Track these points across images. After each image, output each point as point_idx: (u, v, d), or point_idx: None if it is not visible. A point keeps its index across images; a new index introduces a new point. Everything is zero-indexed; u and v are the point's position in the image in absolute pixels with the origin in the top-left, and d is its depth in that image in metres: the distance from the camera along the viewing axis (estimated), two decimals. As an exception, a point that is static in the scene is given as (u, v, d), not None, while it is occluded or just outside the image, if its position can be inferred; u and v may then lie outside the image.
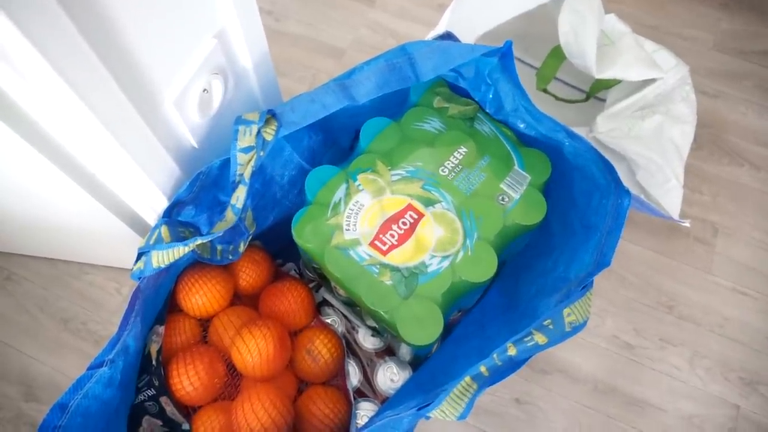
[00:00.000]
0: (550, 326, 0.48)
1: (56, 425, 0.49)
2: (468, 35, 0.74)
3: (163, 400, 0.58)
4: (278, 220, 0.68)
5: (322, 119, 0.63)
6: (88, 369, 0.49)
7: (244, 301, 0.66)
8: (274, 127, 0.50)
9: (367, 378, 0.65)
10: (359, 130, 0.73)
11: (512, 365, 0.48)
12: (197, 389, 0.56)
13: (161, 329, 0.60)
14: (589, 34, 0.71)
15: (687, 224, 0.70)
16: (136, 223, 0.61)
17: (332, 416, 0.58)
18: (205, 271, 0.61)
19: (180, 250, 0.47)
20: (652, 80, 0.76)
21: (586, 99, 0.87)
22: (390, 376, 0.65)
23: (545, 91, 0.86)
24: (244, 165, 0.50)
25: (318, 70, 0.99)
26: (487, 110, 0.63)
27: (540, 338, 0.48)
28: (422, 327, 0.54)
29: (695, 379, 0.77)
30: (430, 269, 0.57)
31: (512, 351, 0.48)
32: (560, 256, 0.61)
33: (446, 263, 0.57)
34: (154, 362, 0.57)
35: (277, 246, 0.72)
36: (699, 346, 0.78)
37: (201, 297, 0.60)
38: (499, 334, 0.64)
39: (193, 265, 0.62)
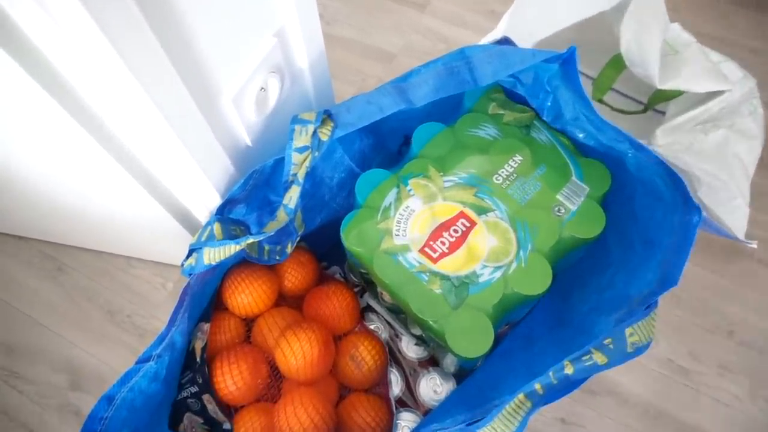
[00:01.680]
0: (611, 346, 0.46)
1: (103, 416, 0.49)
2: (525, 42, 0.73)
3: (206, 398, 0.57)
4: (325, 223, 0.68)
5: (373, 123, 0.62)
6: (136, 363, 0.49)
7: (289, 302, 0.65)
8: (330, 128, 0.49)
9: (410, 388, 0.63)
10: (409, 135, 0.72)
11: (568, 385, 0.46)
12: (240, 389, 0.56)
13: (206, 327, 0.59)
14: (653, 42, 0.68)
15: (754, 245, 0.67)
16: (186, 220, 0.61)
17: (373, 425, 0.57)
18: (251, 270, 0.61)
19: (232, 248, 0.47)
20: (718, 93, 0.73)
21: (644, 111, 0.84)
22: (433, 387, 0.63)
23: (601, 101, 0.84)
24: (298, 165, 0.49)
25: (367, 74, 0.98)
26: (545, 118, 0.61)
27: (600, 358, 0.45)
28: (472, 338, 0.53)
29: (755, 410, 0.72)
30: (481, 279, 0.55)
31: (569, 369, 0.46)
32: (617, 273, 0.58)
33: (498, 274, 0.55)
34: (198, 359, 0.57)
35: (323, 248, 0.71)
36: (761, 375, 0.74)
37: (247, 296, 0.60)
38: (548, 351, 0.62)
39: (240, 264, 0.62)
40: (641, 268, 0.54)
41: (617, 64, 0.78)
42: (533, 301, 0.59)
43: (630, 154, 0.54)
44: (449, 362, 0.63)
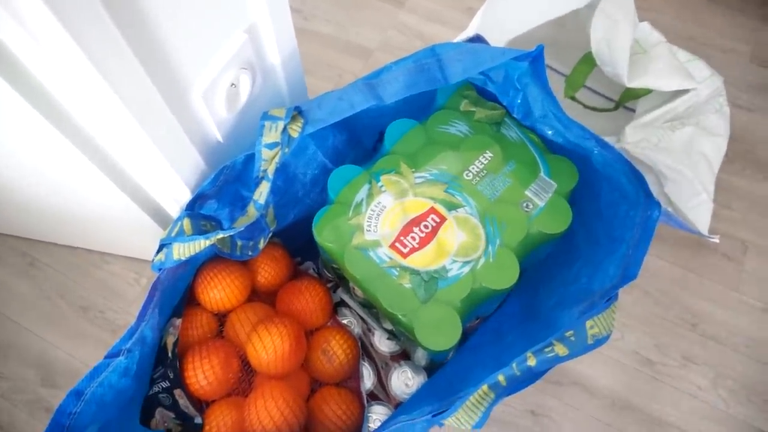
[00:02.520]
0: (572, 338, 0.47)
1: (71, 411, 0.49)
2: (498, 39, 0.74)
3: (177, 392, 0.58)
4: (299, 219, 0.68)
5: (346, 119, 0.62)
6: (105, 357, 0.49)
7: (262, 297, 0.66)
8: (300, 124, 0.50)
9: (381, 381, 0.64)
10: (383, 131, 0.73)
11: (531, 376, 0.47)
12: (211, 383, 0.56)
13: (178, 322, 0.60)
14: (622, 41, 0.69)
15: (716, 240, 0.69)
16: (158, 215, 0.61)
17: (344, 417, 0.58)
18: (224, 265, 0.61)
19: (201, 243, 0.47)
20: (685, 91, 0.74)
21: (615, 108, 0.86)
22: (404, 381, 0.64)
23: (573, 98, 0.85)
24: (268, 161, 0.49)
25: (344, 70, 0.99)
26: (515, 115, 0.62)
27: (561, 349, 0.47)
28: (440, 332, 0.54)
29: (718, 401, 0.74)
30: (450, 274, 0.56)
31: (532, 361, 0.47)
32: (583, 267, 0.59)
33: (467, 269, 0.56)
34: (170, 354, 0.58)
35: (297, 244, 0.72)
36: (723, 366, 0.76)
37: (219, 291, 0.60)
38: (517, 344, 0.63)
39: (213, 259, 0.62)
40: (605, 262, 0.55)
41: (588, 61, 0.79)
42: (501, 296, 0.60)
43: (596, 152, 0.56)
44: (420, 356, 0.64)
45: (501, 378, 0.47)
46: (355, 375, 0.63)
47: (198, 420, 0.57)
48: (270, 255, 0.65)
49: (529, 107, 0.60)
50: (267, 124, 0.49)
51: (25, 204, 0.69)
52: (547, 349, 0.47)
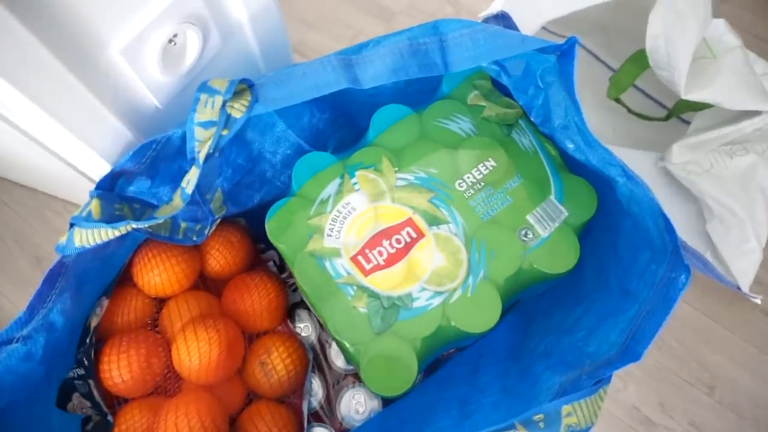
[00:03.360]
0: (541, 424, 0.37)
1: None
2: (532, 19, 0.61)
3: (91, 383, 0.51)
4: (265, 201, 0.59)
5: (332, 96, 0.52)
6: (-7, 344, 0.42)
7: (210, 285, 0.58)
8: (245, 102, 0.40)
9: (329, 401, 0.56)
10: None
11: (482, 458, 0.38)
12: (126, 382, 0.49)
13: (106, 302, 0.52)
14: (686, 42, 0.56)
15: (758, 301, 0.56)
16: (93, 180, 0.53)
17: (275, 441, 0.50)
18: (167, 245, 0.53)
19: (106, 233, 0.39)
20: (755, 112, 0.60)
21: (667, 118, 0.72)
22: (356, 406, 0.56)
23: (618, 101, 0.72)
24: (202, 142, 0.40)
25: (361, 30, 0.87)
26: (534, 119, 0.50)
27: (524, 435, 0.37)
28: (389, 374, 0.45)
29: (720, 479, 0.64)
30: (415, 304, 0.46)
31: (485, 441, 0.38)
32: (582, 318, 0.49)
33: (437, 301, 0.46)
34: (87, 340, 0.51)
35: (263, 229, 0.63)
36: (736, 441, 0.65)
37: (157, 275, 0.52)
38: (489, 390, 0.54)
39: (155, 237, 0.54)
40: (610, 322, 0.45)
41: (639, 61, 0.66)
42: (471, 339, 0.50)
43: (620, 182, 0.44)
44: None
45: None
46: (299, 392, 0.55)
47: (110, 418, 0.51)
48: (226, 238, 0.56)
49: (549, 112, 0.48)
50: (203, 97, 0.39)
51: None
52: (506, 432, 0.37)
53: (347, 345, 0.45)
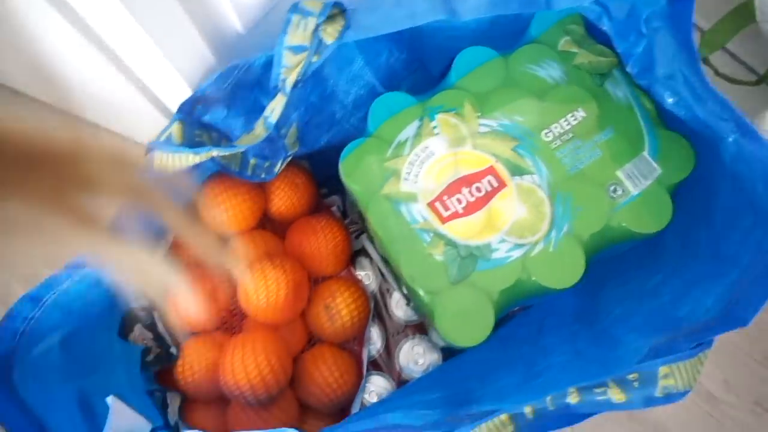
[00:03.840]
0: (635, 383, 0.35)
1: (28, 316, 0.43)
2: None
3: (155, 314, 0.51)
4: (333, 144, 0.57)
5: (411, 34, 0.49)
6: (67, 267, 0.42)
7: (274, 227, 0.57)
8: (339, 28, 0.37)
9: (389, 350, 0.55)
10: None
11: (567, 417, 0.37)
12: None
13: (170, 237, 0.52)
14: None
15: None
16: (160, 104, 0.52)
17: (335, 385, 0.50)
18: (234, 182, 0.52)
19: (188, 158, 0.37)
20: None
21: (757, 83, 0.67)
22: (415, 357, 0.55)
23: (705, 61, 0.67)
24: (290, 68, 0.38)
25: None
26: (630, 69, 0.47)
27: (616, 394, 0.36)
28: (465, 324, 0.43)
29: (781, 461, 0.62)
30: (495, 255, 0.44)
31: (574, 398, 0.36)
32: (666, 282, 0.46)
33: (517, 253, 0.44)
34: (154, 271, 0.50)
35: (327, 172, 0.61)
36: (802, 424, 0.63)
37: (223, 212, 0.51)
38: (557, 350, 0.52)
39: (222, 172, 0.53)
40: (701, 287, 0.42)
41: (741, 15, 0.61)
42: (550, 295, 0.48)
43: (731, 139, 0.41)
44: (435, 336, 0.54)
45: (528, 409, 0.36)
46: (360, 338, 0.54)
47: (173, 350, 0.51)
48: (290, 180, 0.55)
49: (652, 61, 0.45)
50: (295, 19, 0.37)
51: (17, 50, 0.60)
52: (597, 389, 0.35)
53: (421, 293, 0.44)
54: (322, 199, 0.59)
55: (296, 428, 0.37)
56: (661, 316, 0.43)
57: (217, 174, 0.53)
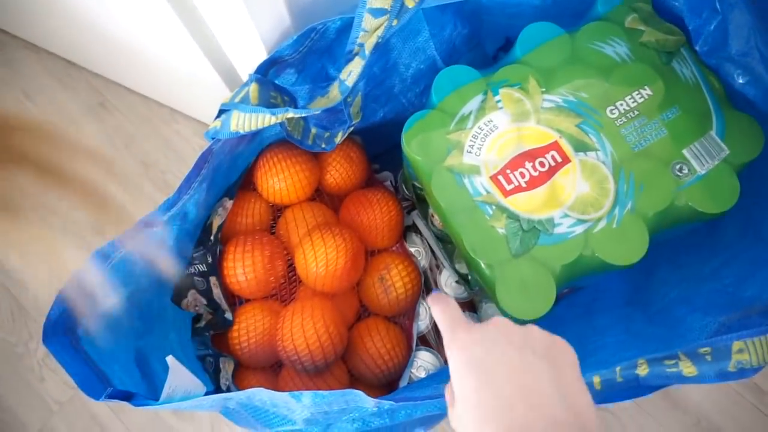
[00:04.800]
0: (708, 357, 0.35)
1: (109, 259, 0.44)
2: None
3: (213, 280, 0.52)
4: (388, 119, 0.57)
5: (472, 9, 0.49)
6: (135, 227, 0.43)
7: (326, 199, 0.57)
8: (420, -9, 0.37)
9: (437, 327, 0.56)
10: (511, 37, 0.59)
11: (636, 388, 0.37)
12: (249, 281, 0.49)
13: (229, 204, 0.52)
14: None
15: None
16: (230, 78, 0.52)
17: (387, 357, 0.50)
18: (291, 153, 0.52)
19: (265, 119, 0.38)
20: None
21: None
22: (463, 334, 0.55)
23: None
24: (369, 33, 0.38)
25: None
26: (698, 48, 0.46)
27: (687, 367, 0.35)
28: (527, 297, 0.43)
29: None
30: (557, 230, 0.44)
31: (642, 370, 0.36)
32: (724, 266, 0.46)
33: (580, 229, 0.44)
34: (212, 238, 0.51)
35: (379, 148, 0.62)
36: None
37: (280, 181, 0.52)
38: (610, 331, 0.52)
39: (280, 142, 0.53)
40: (763, 266, 0.41)
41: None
42: (611, 272, 0.48)
43: (806, 119, 0.40)
44: (488, 312, 0.54)
45: (596, 380, 0.36)
46: (410, 313, 0.54)
47: (228, 315, 0.51)
48: (345, 153, 0.55)
49: (725, 38, 0.44)
50: (378, -20, 0.37)
51: (104, 39, 0.62)
52: (668, 362, 0.35)
53: (483, 265, 0.44)
54: (374, 174, 0.60)
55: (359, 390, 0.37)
56: (724, 297, 0.43)
57: (276, 144, 0.54)
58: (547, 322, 0.55)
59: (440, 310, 0.31)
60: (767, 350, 0.34)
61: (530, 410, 0.25)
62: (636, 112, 0.46)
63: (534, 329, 0.30)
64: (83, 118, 0.76)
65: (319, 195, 0.57)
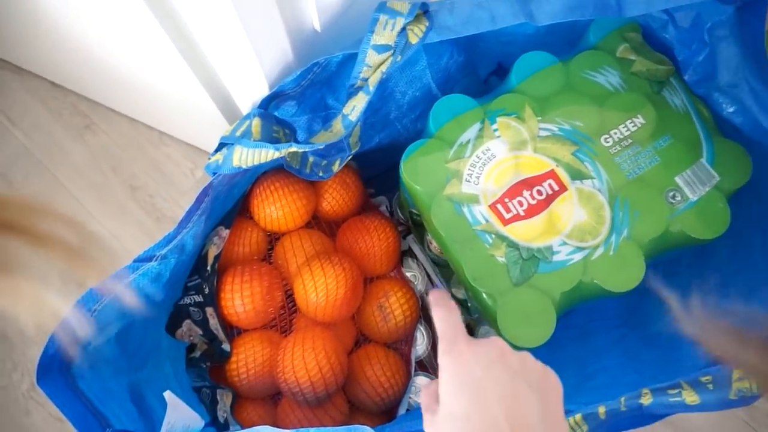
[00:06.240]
0: (709, 385, 0.36)
1: (91, 309, 0.43)
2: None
3: (209, 310, 0.51)
4: (384, 144, 0.57)
5: (468, 37, 0.50)
6: (135, 261, 0.42)
7: (322, 226, 0.57)
8: (422, 28, 0.38)
9: (435, 351, 0.56)
10: (503, 62, 0.60)
11: (639, 417, 0.37)
12: (248, 312, 0.49)
13: (225, 233, 0.52)
14: None
15: None
16: (227, 106, 0.52)
17: (387, 385, 0.50)
18: (288, 180, 0.52)
19: (268, 154, 0.38)
20: None
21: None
22: (461, 358, 0.55)
23: None
24: (372, 68, 0.38)
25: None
26: (687, 77, 0.48)
27: (689, 396, 0.36)
28: (528, 325, 0.43)
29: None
30: (556, 258, 0.45)
31: (646, 399, 0.36)
32: (721, 288, 0.47)
33: (578, 256, 0.45)
34: (209, 268, 0.50)
35: (373, 173, 0.62)
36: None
37: (277, 210, 0.52)
38: (607, 354, 0.53)
39: (276, 170, 0.53)
40: (761, 293, 0.43)
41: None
42: (609, 298, 0.48)
43: (794, 149, 0.42)
44: (485, 334, 0.55)
45: (601, 410, 0.36)
46: (409, 339, 0.54)
47: (225, 347, 0.51)
48: (341, 180, 0.55)
49: (713, 69, 0.45)
50: (382, 18, 0.37)
51: (91, 60, 0.61)
52: (671, 391, 0.36)
53: (483, 294, 0.44)
54: (369, 199, 0.60)
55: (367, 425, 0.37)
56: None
57: (271, 172, 0.53)
58: (545, 345, 0.56)
59: (442, 316, 0.31)
60: (766, 378, 0.35)
61: None
62: (629, 141, 0.47)
63: (528, 358, 0.30)
64: (68, 141, 0.75)
65: (316, 221, 0.57)
